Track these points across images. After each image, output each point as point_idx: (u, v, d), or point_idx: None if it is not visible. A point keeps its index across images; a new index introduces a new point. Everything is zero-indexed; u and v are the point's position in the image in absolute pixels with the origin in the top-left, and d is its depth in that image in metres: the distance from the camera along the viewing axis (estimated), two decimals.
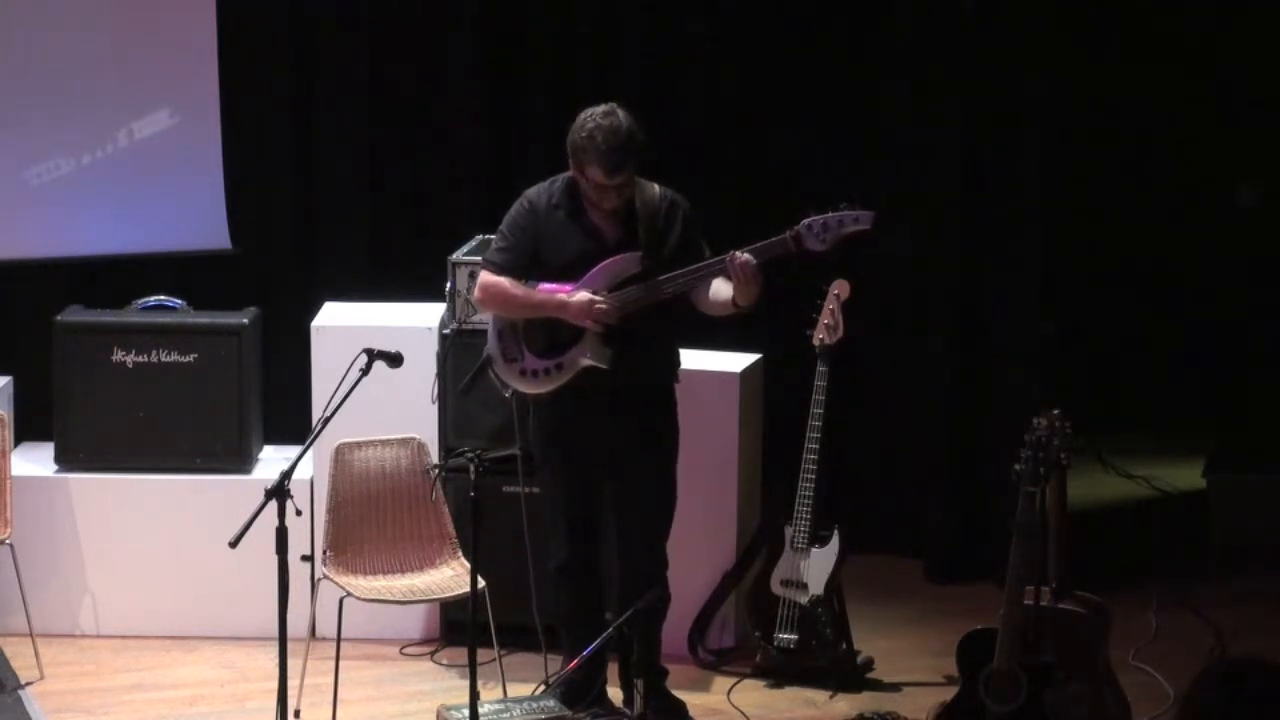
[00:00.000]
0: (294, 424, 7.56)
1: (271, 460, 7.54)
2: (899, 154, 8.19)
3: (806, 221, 6.31)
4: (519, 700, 6.42)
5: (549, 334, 6.37)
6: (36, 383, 7.62)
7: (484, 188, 8.27)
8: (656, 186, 6.42)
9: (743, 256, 6.23)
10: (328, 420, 6.09)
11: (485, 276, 6.43)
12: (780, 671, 6.98)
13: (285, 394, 7.84)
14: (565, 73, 8.35)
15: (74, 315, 7.52)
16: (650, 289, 6.31)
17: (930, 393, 8.18)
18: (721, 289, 6.37)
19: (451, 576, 6.73)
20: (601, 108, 6.29)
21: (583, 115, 6.30)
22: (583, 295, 6.30)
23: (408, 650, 7.33)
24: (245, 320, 7.50)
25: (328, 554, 6.70)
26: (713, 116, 8.41)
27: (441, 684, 7.01)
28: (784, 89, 8.37)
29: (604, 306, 6.28)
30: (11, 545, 6.92)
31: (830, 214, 6.30)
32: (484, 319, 6.82)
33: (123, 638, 7.39)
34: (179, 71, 8.11)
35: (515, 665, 6.88)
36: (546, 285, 6.36)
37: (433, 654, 7.29)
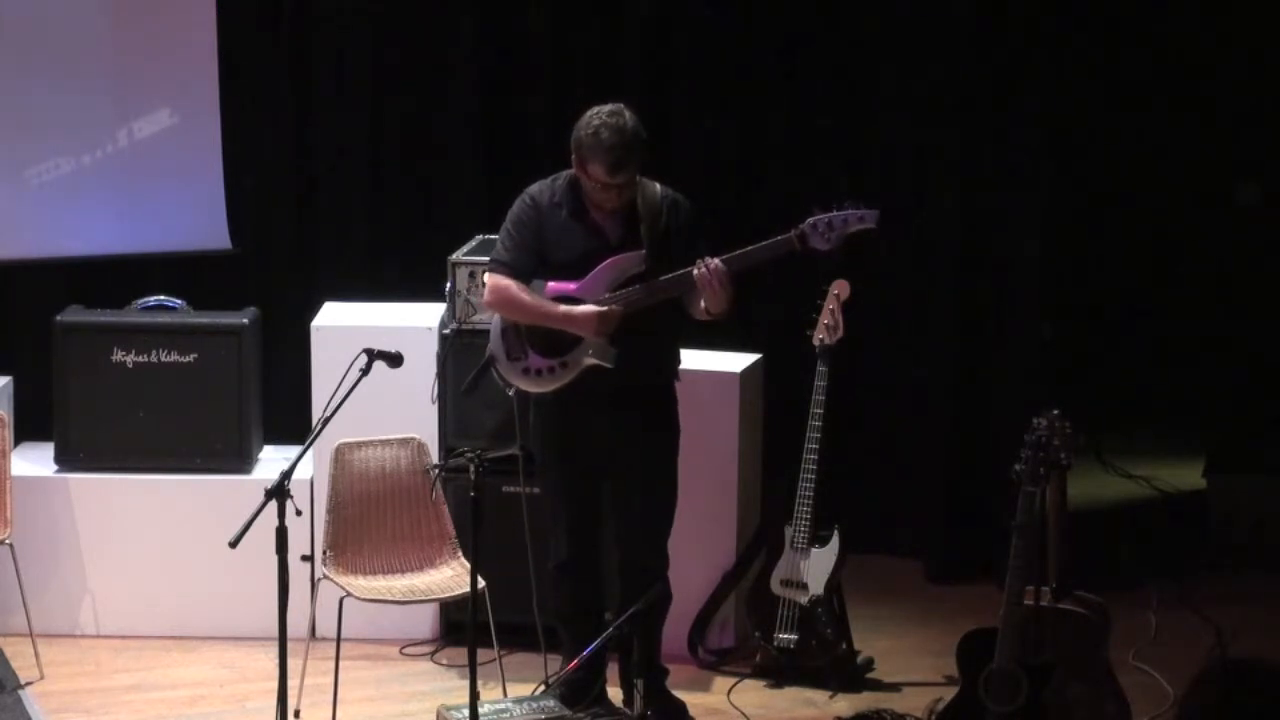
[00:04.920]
0: (294, 424, 7.56)
1: (271, 460, 7.54)
2: (899, 153, 8.20)
3: (811, 220, 6.31)
4: (519, 700, 6.42)
5: (552, 333, 6.37)
6: (36, 383, 7.63)
7: (484, 188, 8.27)
8: (658, 186, 6.42)
9: (712, 263, 6.22)
10: (328, 420, 6.09)
11: (494, 279, 6.42)
12: (780, 671, 6.98)
13: (285, 394, 7.84)
14: (565, 72, 8.35)
15: (74, 315, 7.52)
16: (652, 289, 6.31)
17: (930, 393, 8.19)
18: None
19: (451, 576, 6.73)
20: (608, 106, 6.29)
21: (589, 113, 6.29)
22: (589, 309, 6.29)
23: (408, 650, 7.33)
24: (245, 320, 7.50)
25: (328, 554, 6.70)
26: (713, 116, 8.41)
27: (441, 684, 7.01)
28: (784, 88, 8.38)
29: (610, 315, 6.27)
30: (11, 545, 6.92)
31: (835, 212, 6.30)
32: (484, 319, 6.83)
33: (123, 638, 7.39)
34: (179, 71, 8.11)
35: (515, 665, 6.88)
36: (552, 285, 6.36)
37: (433, 654, 7.29)
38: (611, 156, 6.21)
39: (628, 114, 6.27)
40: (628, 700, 6.48)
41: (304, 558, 6.69)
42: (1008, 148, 8.00)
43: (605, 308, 6.29)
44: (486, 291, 6.49)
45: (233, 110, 8.17)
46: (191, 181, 8.16)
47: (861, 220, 6.32)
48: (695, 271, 6.23)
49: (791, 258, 6.37)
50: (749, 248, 6.31)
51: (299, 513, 5.80)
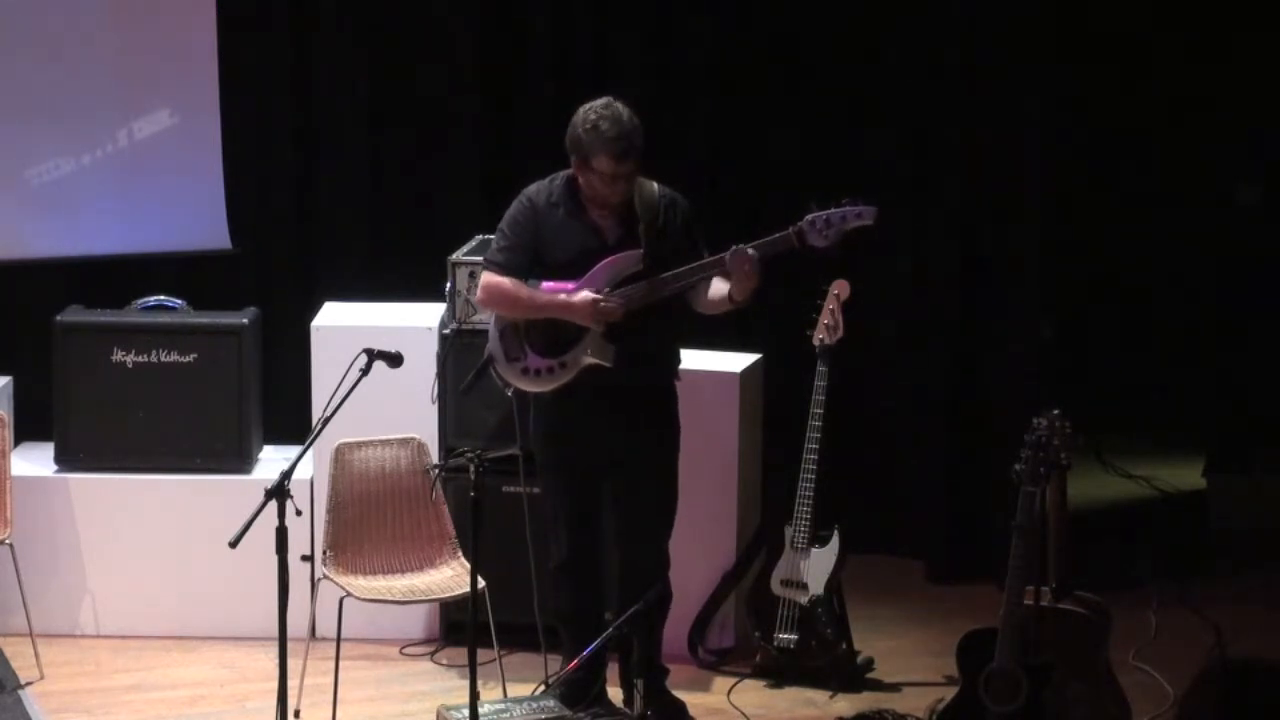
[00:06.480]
0: (294, 424, 7.56)
1: (271, 460, 7.54)
2: (899, 153, 8.20)
3: (810, 217, 6.31)
4: (519, 700, 6.42)
5: (551, 333, 6.37)
6: (36, 383, 7.63)
7: (483, 188, 8.27)
8: (656, 185, 6.43)
9: (746, 251, 6.23)
10: (328, 420, 6.09)
11: (487, 277, 6.43)
12: (780, 671, 6.98)
13: (285, 394, 7.85)
14: (565, 71, 8.35)
15: (74, 315, 7.52)
16: (652, 287, 6.31)
17: (930, 392, 8.18)
18: (720, 286, 6.37)
19: (451, 576, 6.73)
20: (599, 101, 6.31)
21: (582, 110, 6.30)
22: (586, 295, 6.30)
23: (408, 650, 7.33)
24: (245, 320, 7.51)
25: (328, 554, 6.70)
26: (712, 115, 8.41)
27: (441, 684, 7.01)
28: (783, 88, 8.38)
29: (608, 305, 6.28)
30: (11, 545, 6.92)
31: (833, 209, 6.30)
32: (484, 319, 6.82)
33: (123, 638, 7.39)
34: (179, 71, 8.11)
35: (515, 665, 6.88)
36: (548, 284, 6.36)
37: (433, 654, 7.29)
38: (616, 146, 6.21)
39: (619, 104, 6.29)
40: (628, 700, 6.48)
41: (304, 558, 6.69)
42: (1008, 146, 8.00)
43: (601, 296, 6.28)
44: (479, 290, 6.49)
45: (233, 110, 8.17)
46: (191, 181, 8.16)
47: (859, 217, 6.32)
48: (728, 256, 6.21)
49: (791, 255, 6.37)
50: (747, 245, 6.30)
51: (299, 513, 5.80)
